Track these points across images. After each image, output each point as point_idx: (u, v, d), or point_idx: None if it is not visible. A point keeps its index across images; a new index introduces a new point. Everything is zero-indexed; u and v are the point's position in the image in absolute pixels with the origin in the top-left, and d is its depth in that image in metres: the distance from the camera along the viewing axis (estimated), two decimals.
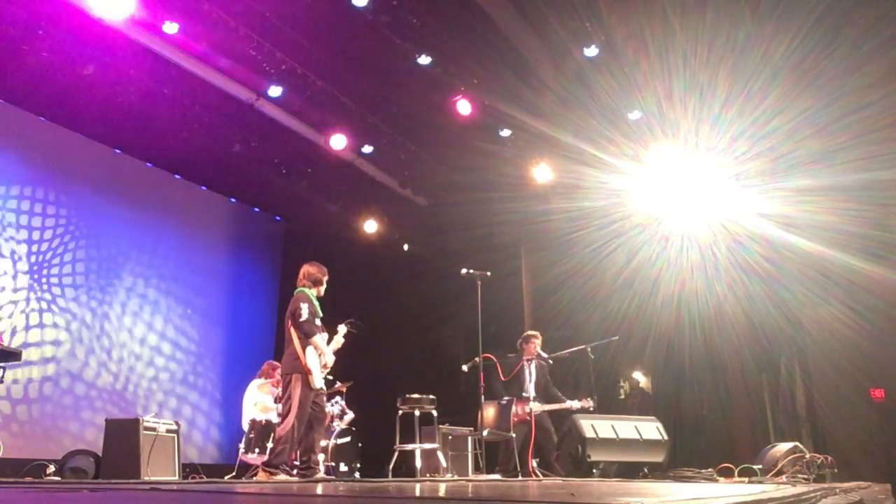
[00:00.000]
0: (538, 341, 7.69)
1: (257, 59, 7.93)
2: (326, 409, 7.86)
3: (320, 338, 5.84)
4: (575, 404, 7.45)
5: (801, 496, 3.74)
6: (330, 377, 6.09)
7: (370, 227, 11.25)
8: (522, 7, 8.63)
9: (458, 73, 8.54)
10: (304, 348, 5.71)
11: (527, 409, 7.35)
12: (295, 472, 5.85)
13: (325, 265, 6.14)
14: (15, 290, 8.57)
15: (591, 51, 8.37)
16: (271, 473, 5.58)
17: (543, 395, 7.61)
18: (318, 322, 5.91)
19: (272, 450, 5.92)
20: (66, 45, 7.58)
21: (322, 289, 6.05)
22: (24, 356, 8.02)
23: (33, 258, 8.85)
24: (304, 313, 5.74)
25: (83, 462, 6.36)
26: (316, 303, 5.97)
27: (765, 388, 9.02)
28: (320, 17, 8.10)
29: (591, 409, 7.46)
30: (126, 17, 7.06)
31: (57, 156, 9.29)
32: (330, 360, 5.92)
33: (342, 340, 6.10)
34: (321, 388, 5.81)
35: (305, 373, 5.66)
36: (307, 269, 6.05)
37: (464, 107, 8.76)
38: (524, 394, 7.50)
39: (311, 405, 5.73)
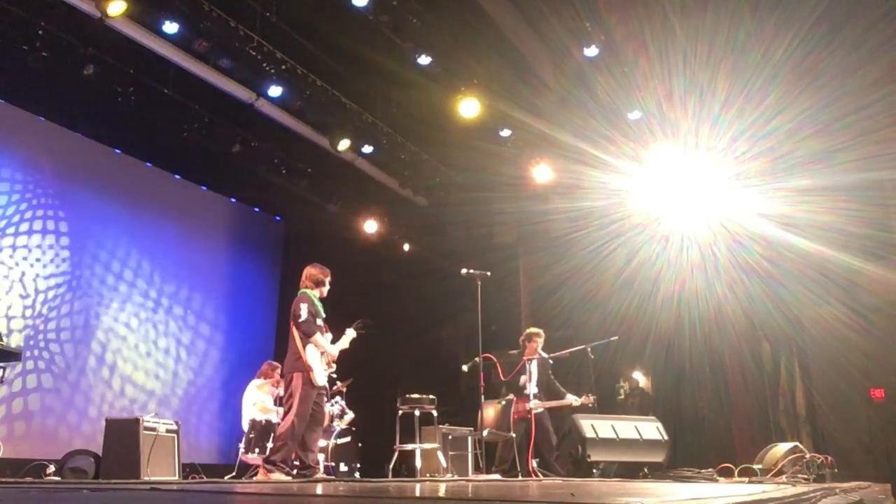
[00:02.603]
0: (540, 340, 7.67)
1: (257, 59, 7.93)
2: (326, 410, 7.89)
3: (321, 337, 5.88)
4: (575, 400, 7.44)
5: (801, 496, 3.74)
6: (334, 376, 6.10)
7: (370, 227, 11.25)
8: (522, 7, 8.64)
9: (458, 73, 8.53)
10: (304, 346, 5.76)
11: (527, 407, 7.34)
12: (295, 471, 5.86)
13: (325, 265, 6.17)
14: (14, 289, 8.57)
15: (591, 51, 8.37)
16: (269, 471, 5.62)
17: (545, 391, 7.60)
18: (319, 322, 5.94)
19: (272, 447, 5.97)
20: (66, 45, 7.58)
21: (324, 289, 6.10)
22: (24, 356, 8.04)
23: (32, 257, 8.84)
24: (304, 314, 5.79)
25: (83, 462, 6.35)
26: (317, 303, 6.01)
27: (765, 388, 9.02)
28: (320, 17, 8.11)
29: (592, 405, 7.45)
30: (124, 13, 7.06)
31: (57, 156, 9.29)
32: (333, 357, 5.94)
33: (347, 344, 6.12)
34: (324, 386, 5.84)
35: (307, 370, 5.71)
36: (309, 270, 6.12)
37: (470, 107, 8.69)
38: (525, 391, 7.50)
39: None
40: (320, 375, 5.77)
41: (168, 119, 8.88)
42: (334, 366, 6.03)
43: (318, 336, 5.82)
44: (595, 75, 8.66)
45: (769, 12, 7.93)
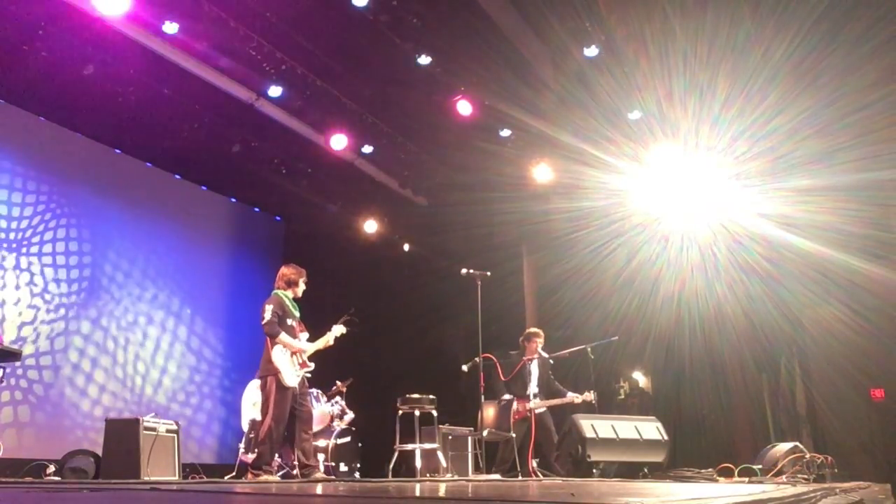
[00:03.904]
0: (540, 340, 7.68)
1: (257, 59, 7.93)
2: (326, 410, 7.90)
3: (287, 337, 5.88)
4: (577, 398, 7.44)
5: (801, 496, 3.74)
6: (309, 375, 6.09)
7: (370, 227, 11.24)
8: (522, 7, 8.63)
9: (458, 73, 8.54)
10: (272, 348, 5.81)
11: (528, 407, 7.35)
12: (296, 471, 5.91)
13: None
14: (14, 290, 8.56)
15: (591, 51, 8.37)
16: (255, 475, 5.71)
17: (546, 391, 7.60)
18: (290, 322, 5.96)
19: (255, 453, 6.03)
20: (66, 45, 7.58)
21: (298, 290, 6.13)
22: (24, 356, 8.04)
23: (32, 258, 8.84)
24: (267, 315, 5.84)
25: (83, 462, 6.35)
26: (289, 303, 6.04)
27: (765, 388, 9.02)
28: (320, 17, 8.10)
29: (593, 401, 7.46)
30: (124, 13, 7.05)
31: (57, 156, 9.28)
32: (304, 354, 5.93)
33: (332, 341, 6.12)
34: (293, 387, 5.84)
35: (276, 373, 5.75)
36: (282, 270, 6.18)
37: (464, 107, 8.77)
38: (526, 392, 7.50)
39: (291, 404, 5.79)
40: (290, 377, 5.79)
41: (168, 119, 8.87)
42: (311, 365, 6.03)
43: (283, 336, 5.84)
44: (595, 75, 8.66)
45: (769, 12, 7.93)
